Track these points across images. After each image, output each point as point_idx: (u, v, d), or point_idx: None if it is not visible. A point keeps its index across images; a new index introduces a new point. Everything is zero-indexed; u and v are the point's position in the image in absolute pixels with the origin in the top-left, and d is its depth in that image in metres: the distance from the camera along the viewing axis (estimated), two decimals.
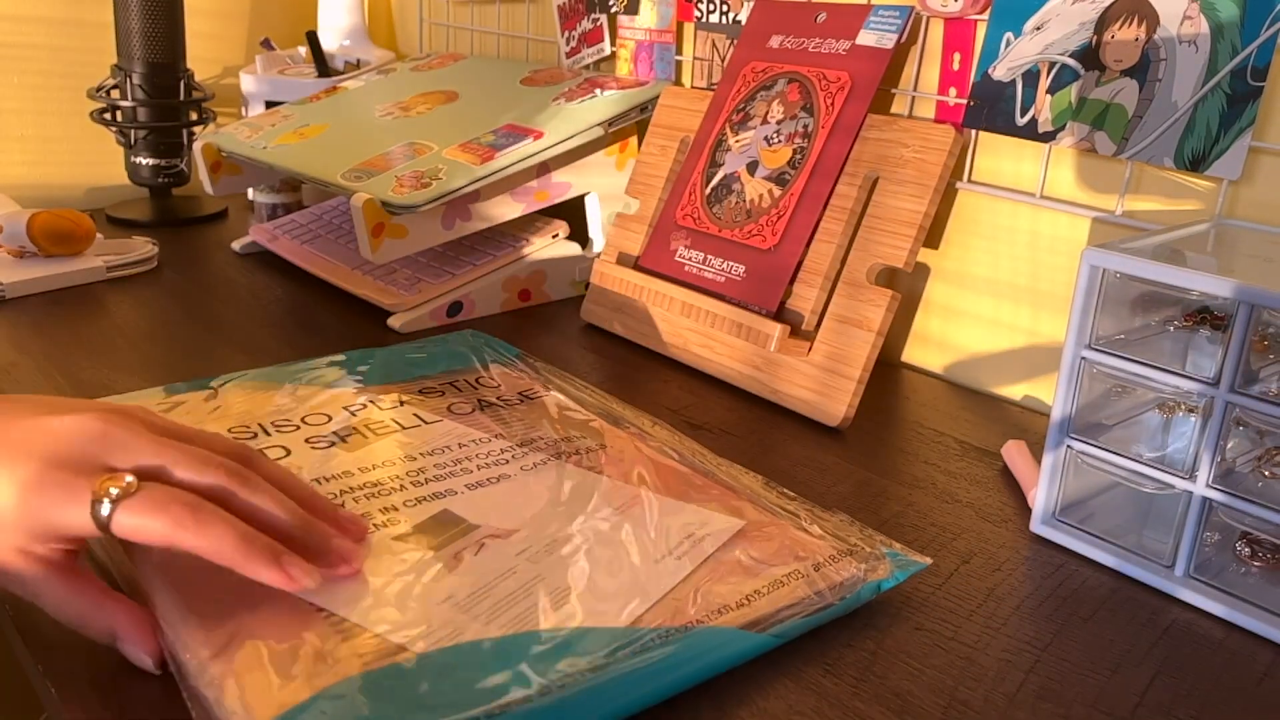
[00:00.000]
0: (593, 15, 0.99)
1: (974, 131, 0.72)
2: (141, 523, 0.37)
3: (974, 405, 0.72)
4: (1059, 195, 0.69)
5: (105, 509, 0.37)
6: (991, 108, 0.69)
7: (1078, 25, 0.64)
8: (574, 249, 0.90)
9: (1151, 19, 0.61)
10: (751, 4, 0.84)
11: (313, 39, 1.15)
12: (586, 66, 1.02)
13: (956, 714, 0.40)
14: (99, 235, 0.93)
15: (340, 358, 0.67)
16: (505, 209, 0.84)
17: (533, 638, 0.39)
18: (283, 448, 0.53)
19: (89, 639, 0.41)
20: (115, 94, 1.09)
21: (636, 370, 0.75)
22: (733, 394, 0.71)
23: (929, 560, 0.48)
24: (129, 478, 0.38)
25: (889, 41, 0.71)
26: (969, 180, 0.73)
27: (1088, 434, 0.52)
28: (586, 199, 0.91)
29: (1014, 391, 0.73)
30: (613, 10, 0.97)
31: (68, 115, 1.17)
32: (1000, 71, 0.68)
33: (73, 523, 0.37)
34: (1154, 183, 0.64)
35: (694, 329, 0.75)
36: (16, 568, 0.38)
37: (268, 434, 0.55)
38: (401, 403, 0.60)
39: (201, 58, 1.23)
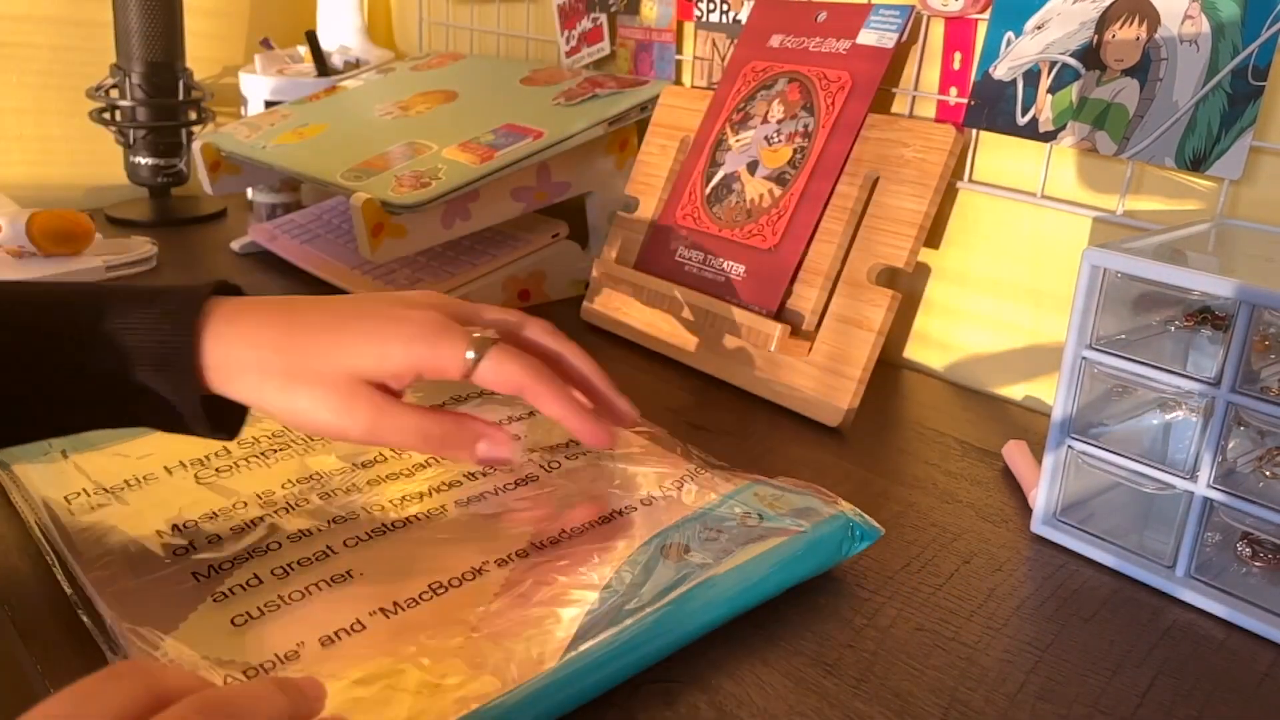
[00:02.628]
0: (593, 15, 0.99)
1: (975, 131, 0.72)
2: (506, 365, 0.44)
3: (974, 405, 0.72)
4: (1060, 195, 0.69)
5: (473, 355, 0.43)
6: (992, 107, 0.69)
7: (1078, 25, 0.64)
8: (574, 249, 0.89)
9: (1152, 18, 0.61)
10: (751, 3, 0.84)
11: (312, 39, 1.15)
12: (586, 66, 1.02)
13: (957, 714, 0.40)
14: (98, 235, 0.93)
15: None
16: (505, 209, 0.84)
17: None
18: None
19: (88, 636, 0.41)
20: (114, 94, 1.09)
21: (636, 370, 0.75)
22: (733, 394, 0.71)
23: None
24: (491, 331, 0.45)
25: (889, 41, 0.71)
26: (970, 180, 0.73)
27: (1088, 434, 0.52)
28: (586, 199, 0.91)
29: (1014, 391, 0.73)
30: (613, 10, 0.97)
31: (67, 115, 1.17)
32: (1001, 71, 0.68)
33: (446, 364, 0.43)
34: (1155, 182, 0.64)
35: (694, 329, 0.75)
36: (383, 401, 0.43)
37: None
38: None
39: (201, 57, 1.23)
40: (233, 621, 0.40)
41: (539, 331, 0.49)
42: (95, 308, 0.42)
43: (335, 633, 0.40)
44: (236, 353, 0.42)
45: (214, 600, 0.42)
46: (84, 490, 0.50)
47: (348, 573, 0.44)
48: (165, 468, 0.52)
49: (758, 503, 0.49)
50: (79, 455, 0.53)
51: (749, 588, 0.44)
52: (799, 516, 0.48)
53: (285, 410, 0.42)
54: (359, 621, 0.40)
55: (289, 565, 0.44)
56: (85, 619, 0.42)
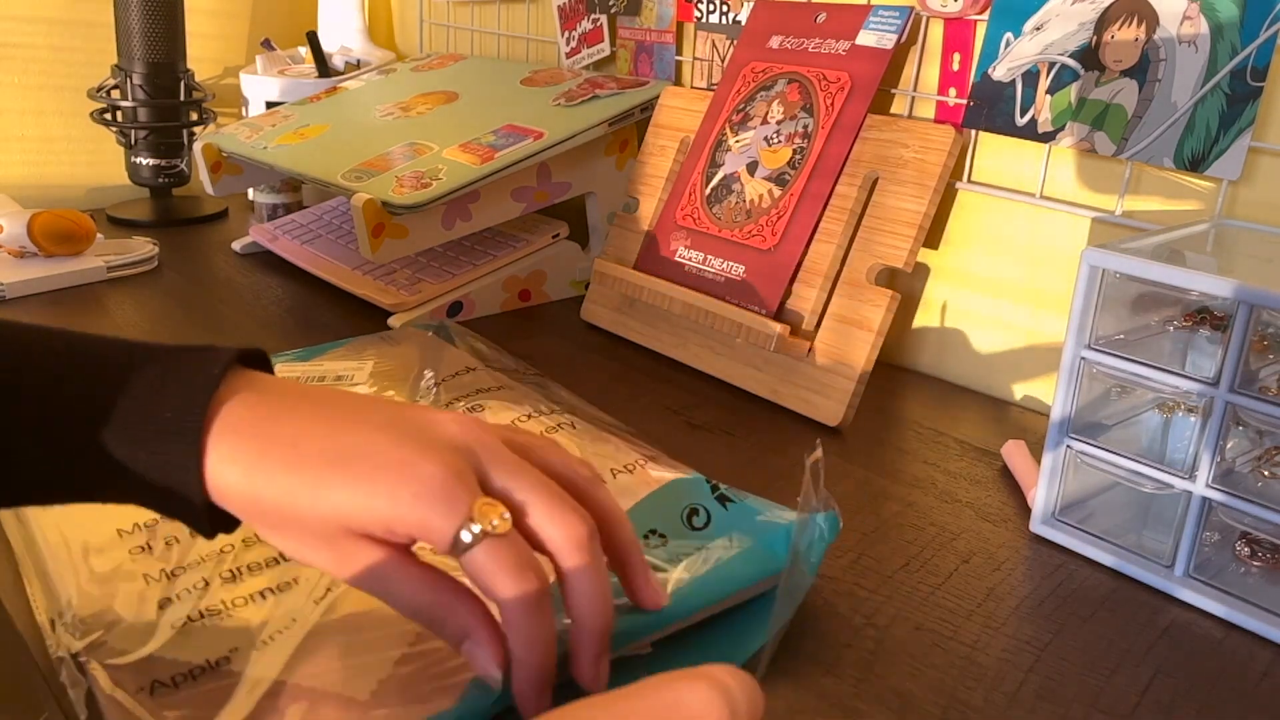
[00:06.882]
0: (593, 15, 0.99)
1: (974, 132, 0.72)
2: (491, 570, 0.35)
3: (974, 405, 0.72)
4: (1059, 195, 0.69)
5: (468, 537, 0.35)
6: (991, 108, 0.69)
7: (1077, 25, 0.64)
8: (574, 249, 0.90)
9: (1151, 19, 0.61)
10: (751, 4, 0.84)
11: (313, 39, 1.15)
12: (586, 67, 1.02)
13: (956, 714, 0.41)
14: (99, 235, 0.93)
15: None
16: (505, 209, 0.84)
17: None
18: None
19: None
20: (116, 94, 1.09)
21: (636, 370, 0.75)
22: (733, 394, 0.72)
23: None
24: (505, 513, 0.36)
25: (889, 42, 0.71)
26: (969, 180, 0.73)
27: (1087, 434, 0.52)
28: (587, 199, 0.91)
29: (1013, 391, 0.73)
30: (613, 10, 0.97)
31: (68, 115, 1.17)
32: (1000, 72, 0.68)
33: (433, 537, 0.35)
34: (1153, 183, 0.64)
35: (694, 329, 0.75)
36: (376, 558, 0.37)
37: None
38: None
39: (202, 58, 1.23)
40: (172, 626, 0.40)
41: (601, 493, 0.41)
42: (79, 364, 0.38)
43: (280, 630, 0.40)
44: (231, 478, 0.37)
45: (159, 606, 0.41)
46: None
47: (294, 579, 0.43)
48: None
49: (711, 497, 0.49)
50: None
51: (730, 578, 0.44)
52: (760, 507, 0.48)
53: (279, 547, 0.39)
54: (295, 619, 0.40)
55: (237, 570, 0.44)
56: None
